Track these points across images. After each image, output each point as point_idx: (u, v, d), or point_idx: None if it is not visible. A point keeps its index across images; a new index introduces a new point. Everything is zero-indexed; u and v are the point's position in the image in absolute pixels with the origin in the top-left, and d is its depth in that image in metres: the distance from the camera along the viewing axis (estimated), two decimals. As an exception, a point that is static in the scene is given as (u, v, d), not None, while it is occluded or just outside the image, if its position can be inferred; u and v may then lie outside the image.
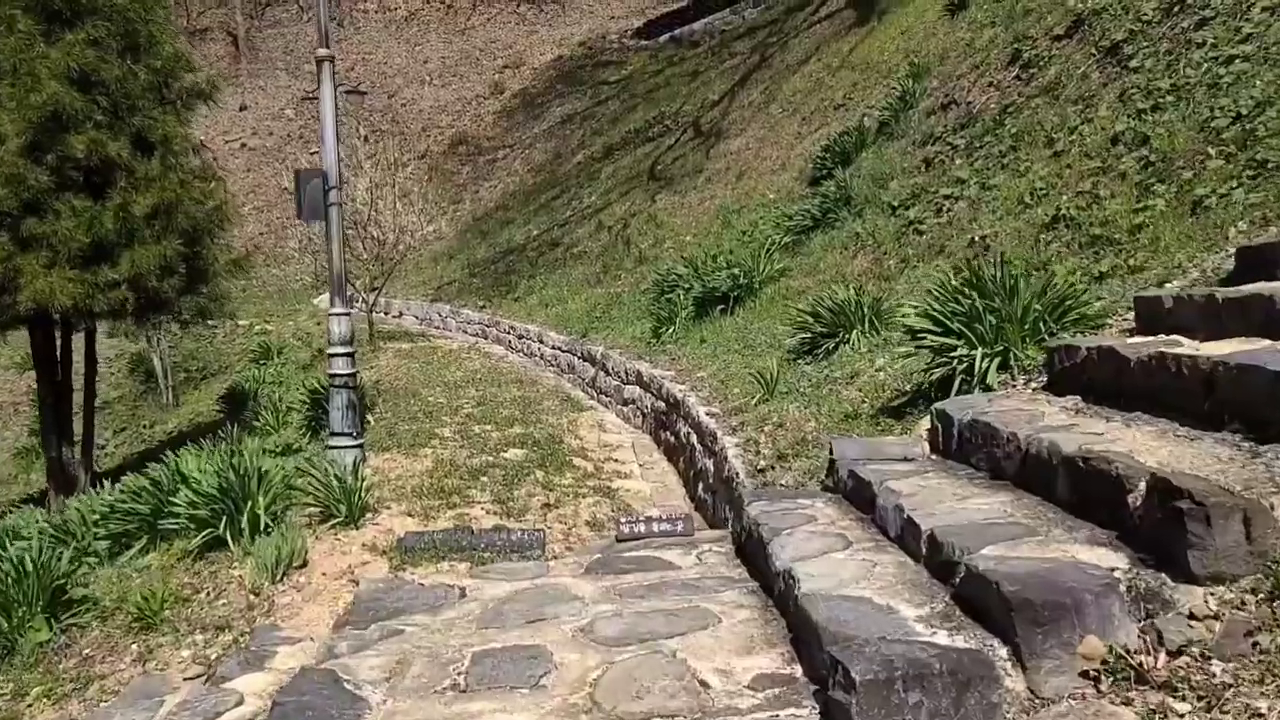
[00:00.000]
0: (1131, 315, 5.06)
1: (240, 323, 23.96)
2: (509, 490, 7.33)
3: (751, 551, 4.42)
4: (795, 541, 3.97)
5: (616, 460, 8.82)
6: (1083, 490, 3.30)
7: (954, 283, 5.39)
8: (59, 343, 12.94)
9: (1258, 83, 7.13)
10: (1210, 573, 2.63)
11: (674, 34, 30.83)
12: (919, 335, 5.41)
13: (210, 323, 17.85)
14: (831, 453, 4.90)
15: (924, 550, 3.44)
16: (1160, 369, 3.72)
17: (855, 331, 7.67)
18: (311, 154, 31.09)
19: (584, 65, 34.05)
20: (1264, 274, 4.31)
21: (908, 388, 5.90)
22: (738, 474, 6.26)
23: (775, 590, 3.84)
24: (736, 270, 11.16)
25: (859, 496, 4.41)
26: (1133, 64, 9.02)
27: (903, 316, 7.71)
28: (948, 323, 5.26)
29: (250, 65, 38.51)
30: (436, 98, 36.59)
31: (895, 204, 10.73)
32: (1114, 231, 6.75)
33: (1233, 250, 5.10)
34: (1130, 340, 4.26)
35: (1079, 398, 4.30)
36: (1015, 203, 8.67)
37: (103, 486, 8.99)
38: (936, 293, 5.48)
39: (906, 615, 3.05)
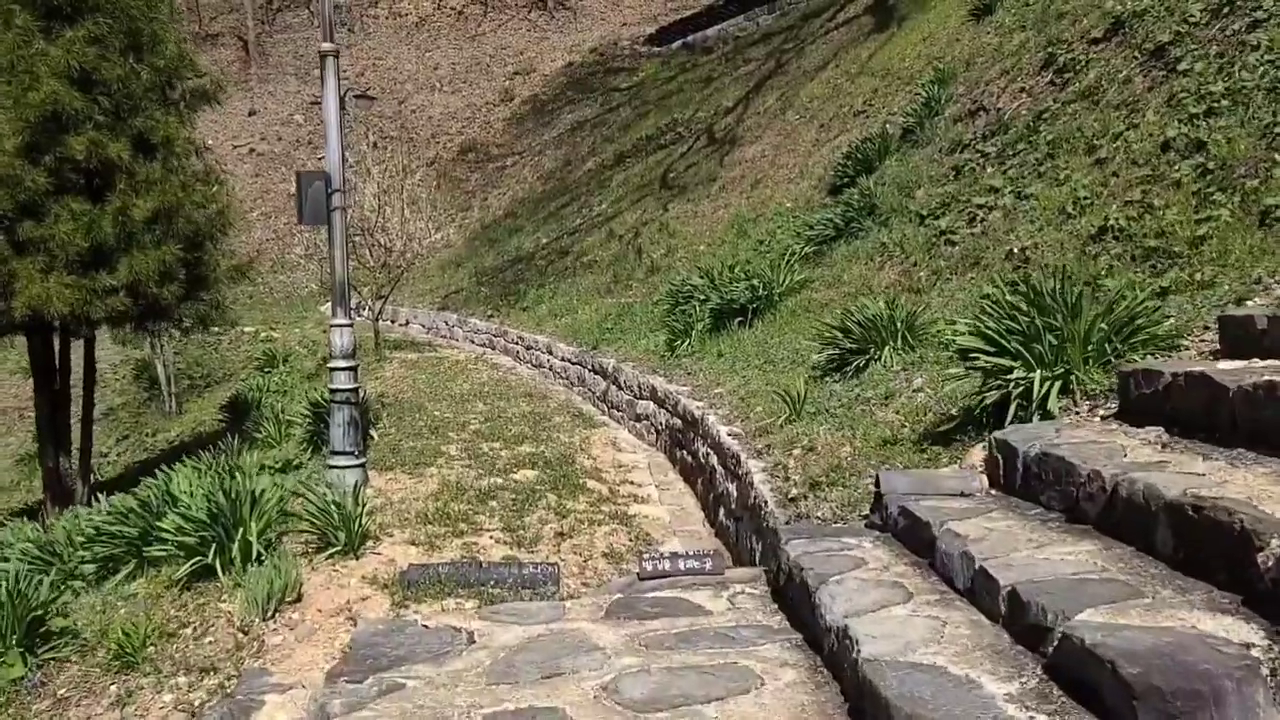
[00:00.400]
0: (1210, 336, 4.61)
1: (246, 329, 23.62)
2: (519, 516, 6.87)
3: (793, 598, 3.96)
4: (846, 591, 3.51)
5: (632, 482, 8.35)
6: (1193, 544, 2.83)
7: (1009, 298, 4.94)
8: (57, 350, 12.54)
9: (1323, 86, 6.68)
10: (1379, 657, 2.17)
11: (687, 40, 30.47)
12: (970, 355, 4.95)
13: (215, 329, 17.48)
14: (877, 485, 4.44)
15: (1003, 609, 2.98)
16: (1270, 401, 3.26)
17: (887, 348, 7.21)
18: (320, 159, 30.79)
19: (595, 72, 33.72)
20: (1369, 292, 3.85)
21: (954, 411, 5.44)
22: (766, 502, 5.80)
23: (825, 647, 3.38)
24: (755, 281, 10.71)
25: (913, 537, 3.95)
26: (1181, 67, 8.56)
27: (937, 333, 7.27)
28: (1003, 342, 4.80)
29: (260, 70, 38.28)
30: (446, 104, 36.28)
31: (924, 213, 10.27)
32: (1173, 243, 6.28)
33: (1321, 265, 4.65)
34: (1222, 366, 3.80)
35: (1162, 430, 3.84)
36: (1056, 213, 8.21)
37: (98, 499, 8.57)
38: (989, 309, 5.03)
39: (993, 692, 2.59)
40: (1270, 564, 2.51)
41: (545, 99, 34.19)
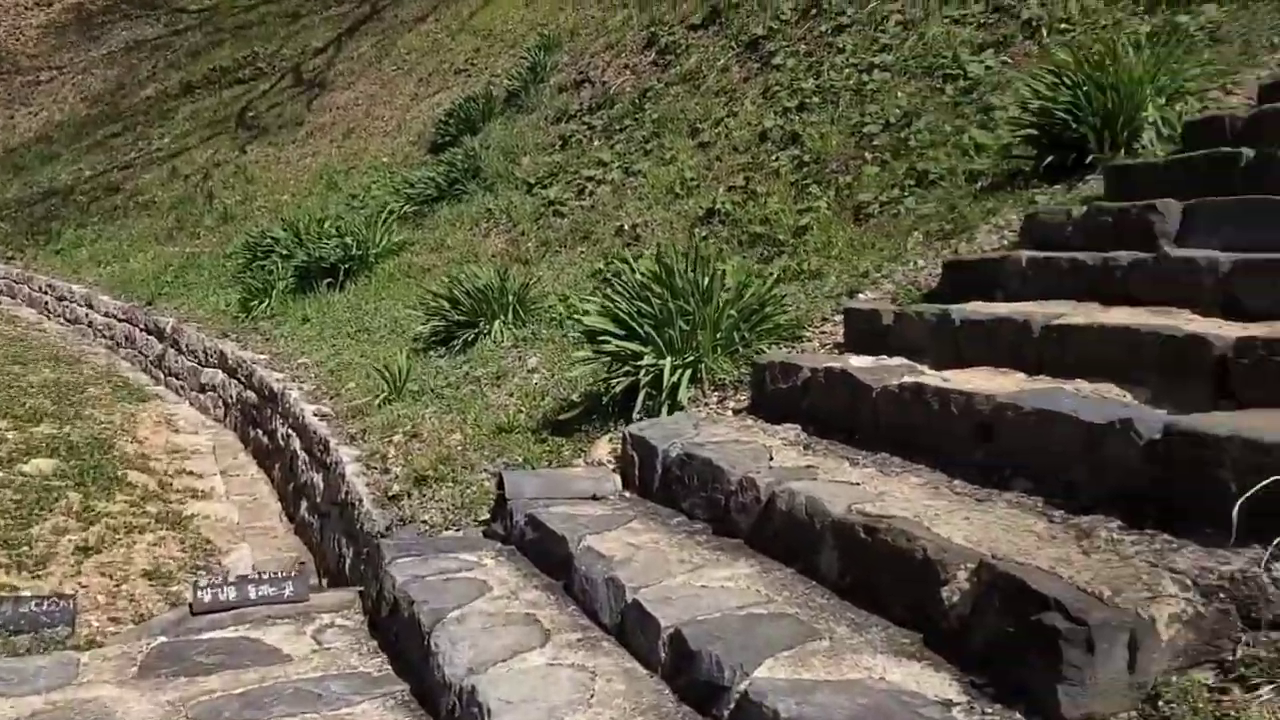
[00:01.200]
0: (829, 328, 4.56)
1: None
2: (24, 526, 5.27)
3: (399, 635, 3.22)
4: (470, 633, 2.85)
5: (191, 472, 6.96)
6: (865, 570, 2.53)
7: (640, 277, 4.55)
8: None
9: (900, 94, 7.15)
10: (1084, 714, 1.93)
11: (272, -32, 27.56)
12: (599, 338, 4.49)
13: None
14: (500, 487, 3.82)
15: (665, 657, 2.49)
16: (917, 404, 3.10)
17: (498, 322, 6.64)
18: None
19: (159, -14, 29.43)
20: (977, 292, 3.92)
21: (575, 397, 4.98)
22: (361, 500, 4.96)
23: (443, 709, 2.70)
24: (349, 239, 9.63)
25: (544, 554, 3.38)
26: (775, 61, 8.90)
27: (549, 308, 6.84)
28: (634, 325, 4.40)
29: None
30: (-42, -3, 29.68)
31: (532, 181, 9.86)
32: (777, 231, 6.35)
33: (924, 262, 4.79)
34: (856, 362, 3.66)
35: (799, 428, 3.63)
36: (664, 191, 8.15)
37: None
38: (621, 288, 4.61)
39: (666, 779, 2.06)
40: (956, 600, 2.25)
41: (94, 10, 29.21)
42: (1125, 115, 4.58)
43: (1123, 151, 4.64)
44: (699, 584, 2.74)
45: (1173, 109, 4.72)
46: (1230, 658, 1.90)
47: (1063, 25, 6.61)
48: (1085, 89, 4.64)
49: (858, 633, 2.38)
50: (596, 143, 10.11)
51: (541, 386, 5.42)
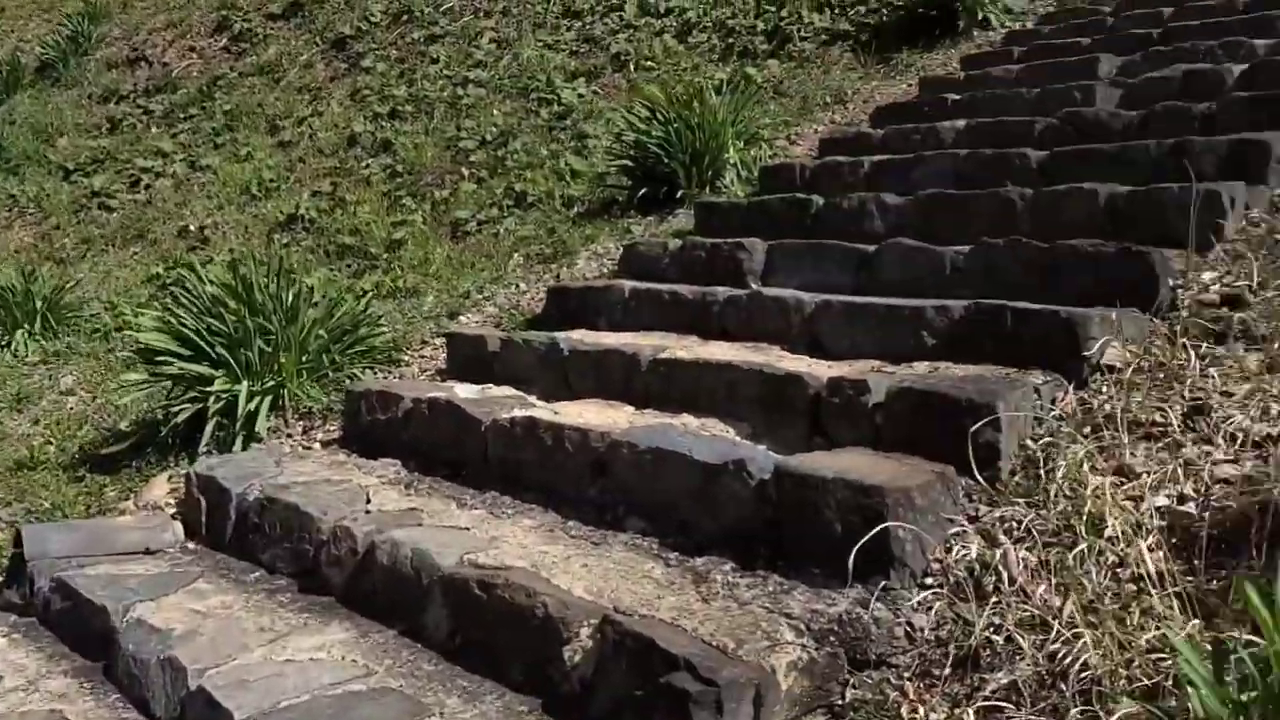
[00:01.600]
0: (430, 352, 4.29)
1: None
2: None
3: None
4: (-35, 750, 2.18)
5: None
6: (479, 629, 2.30)
7: (211, 288, 3.93)
8: None
9: (496, 111, 7.10)
10: (708, 774, 1.86)
11: None
12: (159, 358, 3.81)
13: None
14: (19, 544, 3.06)
15: (242, 758, 2.06)
16: (530, 439, 2.94)
17: (21, 332, 5.52)
18: None
19: None
20: (582, 320, 3.88)
21: (125, 426, 4.20)
22: None
23: None
24: None
25: (78, 628, 2.74)
26: (365, 64, 8.48)
27: (92, 317, 5.85)
28: (204, 344, 3.79)
29: None
30: None
31: (70, 167, 8.48)
32: (369, 243, 5.96)
33: (526, 286, 4.69)
34: (462, 393, 3.42)
35: (399, 464, 3.31)
36: (239, 191, 7.36)
37: None
38: (187, 299, 3.94)
39: None
40: (579, 660, 2.09)
41: None
42: (711, 155, 4.86)
43: (708, 189, 4.91)
44: (283, 658, 2.34)
45: (749, 153, 5.09)
46: (840, 702, 1.94)
47: (648, 63, 6.96)
48: (676, 126, 4.85)
49: (472, 703, 2.14)
50: (155, 130, 8.94)
51: (80, 413, 4.54)
